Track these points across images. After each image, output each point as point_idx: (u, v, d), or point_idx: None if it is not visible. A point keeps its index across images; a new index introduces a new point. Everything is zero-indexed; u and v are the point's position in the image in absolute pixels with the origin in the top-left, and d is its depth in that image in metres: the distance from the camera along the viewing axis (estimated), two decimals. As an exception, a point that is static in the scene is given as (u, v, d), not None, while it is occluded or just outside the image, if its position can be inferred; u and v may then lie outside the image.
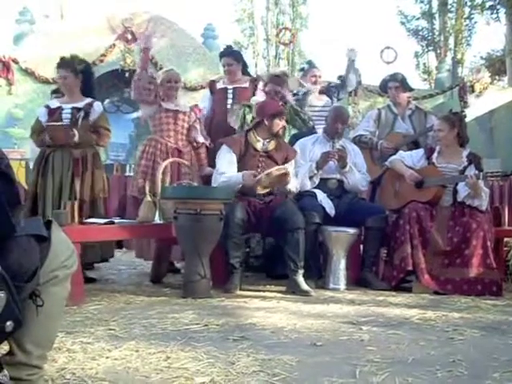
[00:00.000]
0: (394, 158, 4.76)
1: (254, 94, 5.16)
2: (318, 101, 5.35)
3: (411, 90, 5.49)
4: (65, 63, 4.48)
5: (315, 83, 5.48)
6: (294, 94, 5.41)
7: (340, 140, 4.74)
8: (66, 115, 4.45)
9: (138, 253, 5.12)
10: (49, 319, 1.72)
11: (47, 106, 4.56)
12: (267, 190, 4.28)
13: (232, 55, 5.34)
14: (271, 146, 4.46)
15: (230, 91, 5.18)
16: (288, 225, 4.08)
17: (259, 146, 4.43)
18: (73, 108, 4.46)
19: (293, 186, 4.38)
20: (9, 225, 1.55)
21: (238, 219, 4.04)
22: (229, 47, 5.74)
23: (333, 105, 5.25)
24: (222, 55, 5.48)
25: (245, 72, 5.38)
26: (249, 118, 4.87)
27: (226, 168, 4.31)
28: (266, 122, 4.41)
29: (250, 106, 4.90)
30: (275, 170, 4.18)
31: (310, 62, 5.66)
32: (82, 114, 4.46)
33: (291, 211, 4.14)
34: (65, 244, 1.74)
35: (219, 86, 5.30)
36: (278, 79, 4.91)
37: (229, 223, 3.98)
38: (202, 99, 5.57)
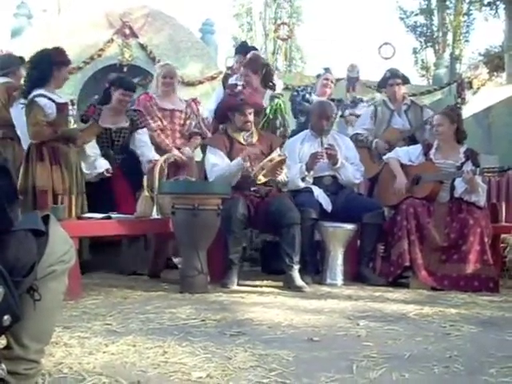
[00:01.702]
0: (390, 155, 4.75)
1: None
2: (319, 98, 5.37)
3: (409, 82, 5.57)
4: None
5: (325, 86, 5.54)
6: (303, 90, 5.48)
7: (328, 135, 4.72)
8: (71, 112, 4.38)
9: None
10: (46, 314, 1.72)
11: (50, 99, 4.20)
12: (266, 180, 4.24)
13: (244, 54, 5.32)
14: (254, 138, 4.47)
15: (240, 87, 5.16)
16: (284, 220, 4.08)
17: (242, 139, 4.43)
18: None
19: (282, 176, 4.36)
20: (6, 219, 1.55)
21: (240, 214, 4.03)
22: (243, 44, 5.70)
23: (316, 100, 5.24)
24: (236, 52, 5.49)
25: None
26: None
27: (220, 162, 4.30)
28: (230, 117, 4.44)
29: None
30: (277, 156, 4.18)
31: (327, 69, 5.75)
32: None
33: (287, 207, 4.13)
34: (63, 238, 1.74)
35: (230, 81, 5.29)
36: (251, 62, 4.90)
37: (231, 218, 3.98)
38: (215, 95, 5.57)
